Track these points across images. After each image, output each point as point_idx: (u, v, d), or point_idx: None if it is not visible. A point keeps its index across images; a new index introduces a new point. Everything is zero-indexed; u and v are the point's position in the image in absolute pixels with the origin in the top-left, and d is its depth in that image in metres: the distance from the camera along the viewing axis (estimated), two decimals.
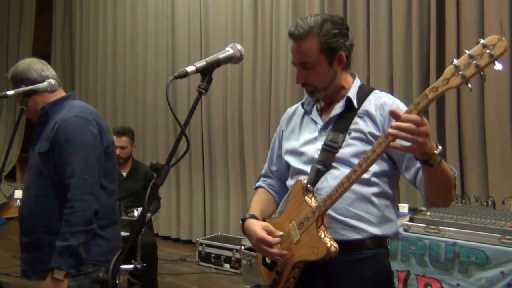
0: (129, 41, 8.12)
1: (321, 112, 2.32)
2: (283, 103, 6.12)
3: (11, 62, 9.30)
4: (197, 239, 6.63)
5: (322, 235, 2.05)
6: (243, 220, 2.32)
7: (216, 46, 6.88)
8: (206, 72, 1.70)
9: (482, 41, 1.59)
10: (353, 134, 2.17)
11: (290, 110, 2.50)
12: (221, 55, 1.78)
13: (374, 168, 2.11)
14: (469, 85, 1.65)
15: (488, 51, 1.58)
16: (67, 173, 2.60)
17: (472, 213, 3.63)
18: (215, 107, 7.02)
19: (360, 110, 2.20)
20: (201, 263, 6.43)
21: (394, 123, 1.75)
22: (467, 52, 1.61)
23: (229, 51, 1.81)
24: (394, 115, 1.77)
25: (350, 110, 2.21)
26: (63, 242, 2.53)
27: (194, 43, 7.24)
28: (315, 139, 2.26)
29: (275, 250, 2.17)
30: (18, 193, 5.12)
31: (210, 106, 7.06)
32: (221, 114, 6.96)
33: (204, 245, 6.45)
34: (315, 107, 2.34)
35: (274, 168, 2.52)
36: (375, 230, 2.16)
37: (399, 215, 3.85)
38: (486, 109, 4.60)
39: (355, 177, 1.96)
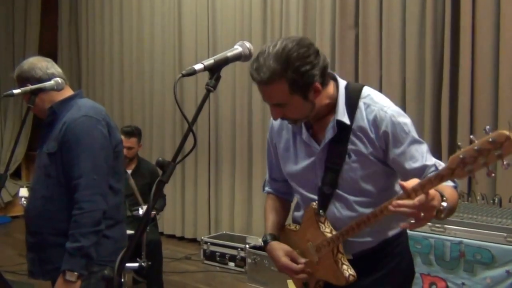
0: (136, 39, 8.10)
1: (312, 131, 2.19)
2: None
3: (17, 61, 9.26)
4: (202, 238, 6.63)
5: (340, 264, 2.10)
6: (265, 242, 2.34)
7: (224, 44, 6.85)
8: (214, 70, 1.69)
9: (490, 139, 1.47)
10: (354, 157, 2.09)
11: (275, 122, 2.32)
12: (230, 53, 1.76)
13: (378, 187, 2.12)
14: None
15: (496, 153, 1.47)
16: (76, 173, 2.59)
17: (478, 212, 3.62)
18: (223, 105, 6.98)
19: (354, 126, 2.08)
20: (206, 262, 6.43)
21: (401, 202, 1.73)
22: (475, 146, 1.51)
23: (237, 49, 1.79)
24: (402, 187, 1.74)
25: (343, 128, 2.09)
26: (74, 244, 2.52)
27: (202, 41, 7.21)
28: (314, 164, 2.18)
29: (299, 276, 2.22)
30: (23, 191, 5.10)
31: (218, 104, 7.03)
32: (229, 112, 6.93)
33: (209, 243, 6.45)
34: (303, 126, 2.19)
35: (276, 175, 2.47)
36: (392, 232, 2.20)
37: None
38: (499, 108, 4.56)
39: (364, 227, 1.99)
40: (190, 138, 1.61)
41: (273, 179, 2.50)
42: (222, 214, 7.08)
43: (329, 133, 2.11)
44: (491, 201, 3.97)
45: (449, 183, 1.95)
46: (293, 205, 2.53)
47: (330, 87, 2.12)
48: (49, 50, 9.30)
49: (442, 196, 1.76)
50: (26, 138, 9.03)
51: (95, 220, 2.56)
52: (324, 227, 2.15)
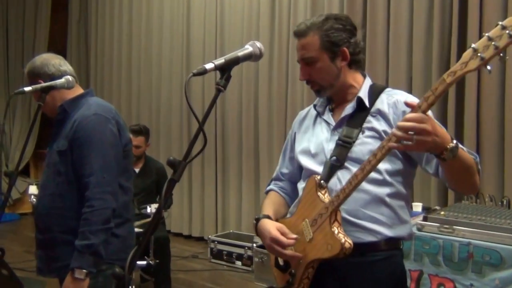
0: (144, 38, 8.15)
1: (333, 113, 2.29)
2: (300, 101, 6.11)
3: (26, 59, 9.30)
4: (209, 236, 6.65)
5: (336, 231, 2.03)
6: (257, 219, 2.30)
7: (231, 44, 6.88)
8: (225, 70, 1.69)
9: (501, 23, 1.58)
10: (367, 132, 2.14)
11: (302, 112, 2.49)
12: (241, 52, 1.76)
13: (388, 167, 2.11)
14: (488, 67, 1.63)
15: (507, 31, 1.56)
16: (86, 171, 2.59)
17: (487, 213, 3.60)
18: (230, 104, 7.01)
19: (373, 109, 2.17)
20: (213, 260, 6.45)
21: (400, 123, 1.76)
22: (486, 34, 1.59)
23: (248, 48, 1.79)
24: (408, 105, 1.79)
25: (362, 110, 2.18)
26: (84, 241, 2.52)
27: (209, 40, 7.24)
28: (327, 140, 2.23)
29: (288, 251, 2.16)
30: (32, 189, 5.12)
31: (224, 103, 7.06)
32: (236, 111, 6.96)
33: (216, 242, 6.47)
34: (327, 108, 2.32)
35: (285, 170, 2.50)
36: (389, 232, 2.14)
37: (413, 214, 3.83)
38: (506, 108, 4.55)
39: (369, 168, 1.94)
40: (200, 137, 1.62)
41: (281, 175, 2.52)
42: (229, 213, 7.11)
43: (347, 110, 2.21)
44: (500, 202, 3.95)
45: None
46: None
47: (359, 75, 2.27)
48: (58, 48, 9.30)
49: (452, 138, 1.80)
50: (35, 136, 9.07)
51: (104, 218, 2.56)
52: (323, 196, 2.13)
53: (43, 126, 8.54)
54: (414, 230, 3.53)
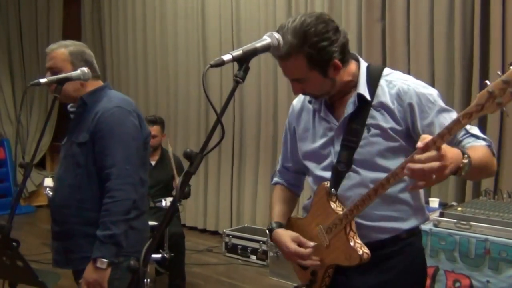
0: (159, 28, 8.10)
1: (332, 109, 2.17)
2: None
3: (41, 50, 9.36)
4: (224, 230, 6.65)
5: (353, 243, 2.04)
6: (270, 230, 2.30)
7: (248, 36, 6.83)
8: (243, 61, 1.66)
9: None
10: (373, 130, 2.06)
11: (296, 104, 2.35)
12: (258, 43, 1.72)
13: (395, 165, 2.00)
14: (504, 108, 1.56)
15: None
16: (108, 162, 2.62)
17: (505, 209, 3.57)
18: (248, 97, 6.97)
19: (375, 102, 2.06)
20: (227, 254, 6.46)
21: (410, 166, 1.66)
22: (501, 78, 1.50)
23: (266, 39, 1.76)
24: (421, 148, 1.65)
25: (364, 103, 2.07)
26: (106, 231, 2.54)
27: (226, 32, 7.20)
28: (331, 141, 2.16)
29: (308, 261, 2.16)
30: (48, 181, 5.16)
31: (243, 95, 7.02)
32: (255, 104, 6.92)
33: (230, 236, 6.47)
34: (323, 104, 2.18)
35: (289, 164, 2.45)
36: (405, 225, 2.12)
37: (429, 209, 3.80)
38: None
39: (382, 191, 1.91)
40: (218, 130, 1.61)
41: (285, 168, 2.48)
42: (244, 207, 7.10)
43: (349, 108, 2.09)
44: None
45: (481, 142, 1.94)
46: (302, 198, 2.51)
47: (352, 65, 2.12)
48: (72, 39, 9.34)
49: (463, 154, 1.72)
50: (52, 129, 9.10)
51: (125, 209, 2.59)
52: (335, 206, 2.10)
53: (61, 119, 8.59)
54: (431, 226, 3.51)
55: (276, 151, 6.68)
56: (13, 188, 8.92)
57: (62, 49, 2.78)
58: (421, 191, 2.20)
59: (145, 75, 8.39)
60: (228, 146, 7.23)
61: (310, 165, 2.26)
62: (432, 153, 1.62)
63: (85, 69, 2.68)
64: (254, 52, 1.70)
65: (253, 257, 6.21)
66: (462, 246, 3.43)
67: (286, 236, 2.22)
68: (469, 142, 1.96)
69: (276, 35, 1.79)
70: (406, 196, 2.12)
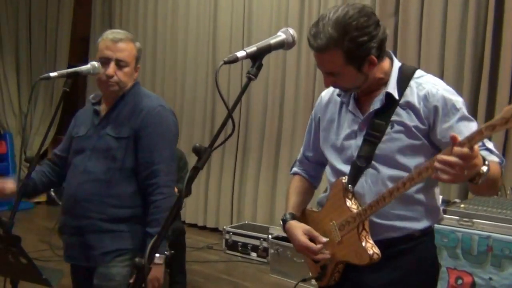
0: (170, 24, 8.04)
1: (359, 104, 2.18)
2: None
3: (49, 44, 9.37)
4: (224, 227, 6.63)
5: (364, 243, 2.04)
6: (284, 221, 2.32)
7: (259, 33, 6.81)
8: (256, 58, 1.64)
9: None
10: (396, 127, 2.05)
11: (325, 96, 2.36)
12: (273, 40, 1.70)
13: (415, 164, 2.03)
14: None
15: None
16: (155, 159, 2.64)
17: (508, 206, 3.57)
18: (254, 94, 6.94)
19: (402, 101, 2.06)
20: (227, 251, 6.44)
21: (444, 157, 1.66)
22: None
23: (281, 36, 1.72)
24: (452, 139, 1.65)
25: (391, 102, 2.07)
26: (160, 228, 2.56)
27: (237, 29, 7.16)
28: (354, 134, 2.15)
29: (318, 256, 2.19)
30: None
31: (249, 93, 6.96)
32: (261, 101, 6.89)
33: (231, 233, 6.45)
34: (352, 98, 2.20)
35: (310, 153, 2.46)
36: (419, 225, 2.12)
37: None
38: None
39: (397, 194, 1.92)
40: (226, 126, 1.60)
41: (305, 158, 2.48)
42: (244, 204, 7.08)
43: (376, 104, 2.09)
44: None
45: (494, 158, 1.93)
46: (318, 192, 2.51)
47: (386, 63, 2.11)
48: (82, 34, 9.35)
49: (484, 160, 1.71)
50: (56, 123, 8.99)
51: (170, 206, 2.58)
52: (350, 203, 2.11)
53: (64, 113, 8.53)
54: None
55: (279, 148, 6.67)
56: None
57: (131, 43, 2.74)
58: (437, 191, 2.20)
59: (153, 73, 8.31)
60: (232, 142, 7.18)
61: (331, 156, 2.26)
62: (466, 150, 1.62)
63: (95, 63, 2.61)
64: (268, 49, 1.69)
65: (254, 254, 6.19)
66: (465, 243, 3.43)
67: (298, 228, 2.24)
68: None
69: (291, 31, 1.75)
70: (421, 196, 2.11)
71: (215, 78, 1.67)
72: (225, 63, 1.59)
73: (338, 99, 2.25)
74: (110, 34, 2.72)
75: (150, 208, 2.62)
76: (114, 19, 9.04)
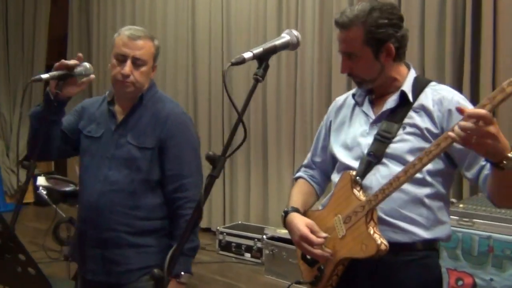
0: (148, 24, 7.97)
1: (373, 105, 2.21)
2: (310, 95, 6.07)
3: (26, 46, 9.27)
4: (218, 228, 6.58)
5: (372, 232, 1.98)
6: (286, 212, 2.26)
7: (238, 41, 6.83)
8: (262, 59, 1.65)
9: None
10: (408, 129, 2.06)
11: (339, 100, 2.40)
12: (278, 41, 1.72)
13: (430, 166, 2.00)
14: None
15: None
16: (185, 172, 2.54)
17: None
18: (238, 95, 6.91)
19: (416, 104, 2.08)
20: (221, 252, 6.40)
21: (460, 122, 1.63)
22: None
23: (285, 37, 1.75)
24: (460, 111, 1.65)
25: (405, 104, 2.10)
26: (191, 244, 2.46)
27: (215, 28, 7.15)
28: (366, 133, 2.16)
29: (317, 250, 2.11)
30: (41, 180, 5.04)
31: (234, 95, 6.91)
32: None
33: (224, 233, 6.41)
34: (367, 98, 2.23)
35: (318, 159, 2.45)
36: (426, 234, 2.06)
37: None
38: None
39: (413, 171, 1.88)
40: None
41: (313, 163, 2.47)
42: (237, 204, 7.04)
43: (389, 103, 2.14)
44: None
45: None
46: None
47: (403, 68, 2.19)
48: (58, 36, 9.27)
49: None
50: None
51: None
52: (359, 195, 2.07)
53: None
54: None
55: (266, 147, 6.66)
56: None
57: (150, 41, 2.58)
58: (447, 210, 2.16)
59: None
60: (218, 142, 7.10)
61: (340, 154, 2.24)
62: (482, 111, 1.62)
63: (87, 65, 2.45)
64: (274, 50, 1.71)
65: (248, 255, 6.14)
66: (465, 243, 3.42)
67: (300, 219, 2.19)
68: None
69: (295, 32, 1.78)
70: (432, 203, 2.07)
71: (223, 80, 1.65)
72: (233, 64, 1.59)
73: (351, 103, 2.28)
74: (127, 30, 2.55)
75: (179, 222, 2.51)
76: (92, 19, 8.99)
